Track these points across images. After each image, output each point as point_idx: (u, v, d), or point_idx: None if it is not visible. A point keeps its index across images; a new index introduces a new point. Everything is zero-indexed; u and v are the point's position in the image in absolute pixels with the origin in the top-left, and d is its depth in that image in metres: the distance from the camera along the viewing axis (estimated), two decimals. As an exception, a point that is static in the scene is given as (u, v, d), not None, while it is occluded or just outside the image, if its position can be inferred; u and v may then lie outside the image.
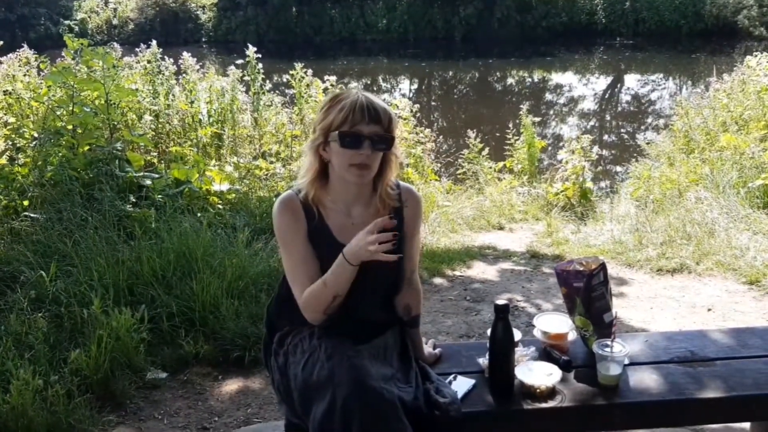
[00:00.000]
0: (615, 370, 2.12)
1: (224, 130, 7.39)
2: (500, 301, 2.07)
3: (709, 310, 4.14)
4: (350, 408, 1.81)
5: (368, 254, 1.93)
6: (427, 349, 2.33)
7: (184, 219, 4.59)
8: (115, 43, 8.50)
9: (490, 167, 7.83)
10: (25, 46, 8.59)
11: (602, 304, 2.26)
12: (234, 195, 5.55)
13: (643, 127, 13.47)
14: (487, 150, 7.94)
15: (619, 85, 19.29)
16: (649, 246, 5.06)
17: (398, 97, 12.00)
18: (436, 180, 7.44)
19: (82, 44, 5.86)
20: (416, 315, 2.27)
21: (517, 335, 2.22)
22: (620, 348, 2.13)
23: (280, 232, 2.11)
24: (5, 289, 3.90)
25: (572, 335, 2.33)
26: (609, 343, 2.14)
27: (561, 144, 9.42)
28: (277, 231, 2.12)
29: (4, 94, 6.58)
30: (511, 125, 8.22)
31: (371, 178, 2.07)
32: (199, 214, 4.84)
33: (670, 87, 18.19)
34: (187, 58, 7.77)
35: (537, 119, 8.47)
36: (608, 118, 15.59)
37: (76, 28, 26.80)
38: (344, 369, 1.89)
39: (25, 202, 4.86)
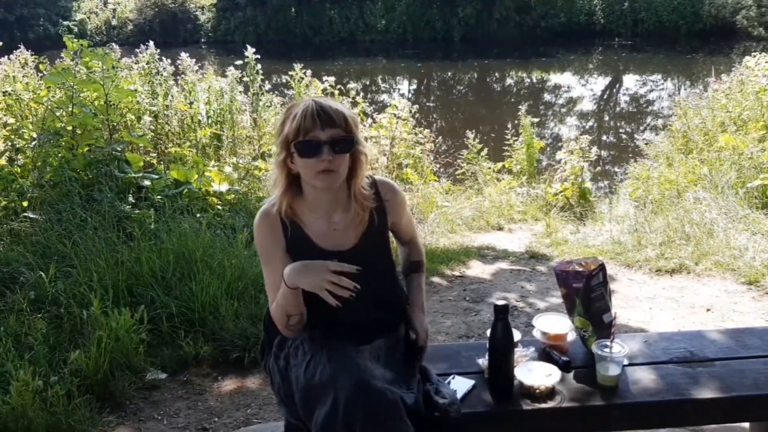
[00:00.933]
0: (614, 370, 2.12)
1: (223, 131, 7.39)
2: (500, 302, 2.07)
3: (708, 310, 4.14)
4: (353, 409, 1.81)
5: (317, 288, 1.95)
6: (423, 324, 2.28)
7: (184, 220, 4.59)
8: (114, 44, 8.46)
9: (489, 168, 7.83)
10: (22, 46, 8.56)
11: (601, 304, 2.27)
12: (233, 196, 5.56)
13: (641, 128, 13.48)
14: (486, 150, 7.95)
15: (617, 86, 19.31)
16: (648, 246, 5.07)
17: (397, 98, 12.00)
18: (435, 180, 7.45)
19: (81, 45, 5.86)
20: (418, 260, 2.38)
21: (517, 336, 2.22)
22: (619, 348, 2.13)
23: (260, 247, 2.14)
24: (5, 290, 3.90)
25: (571, 336, 2.33)
26: (608, 343, 2.15)
27: (560, 144, 9.42)
28: (257, 246, 2.16)
29: (4, 95, 6.57)
30: (509, 126, 8.23)
31: (342, 181, 2.07)
32: (198, 215, 4.84)
33: (669, 87, 18.22)
34: (185, 58, 7.77)
35: (536, 120, 8.47)
36: (607, 118, 15.61)
37: (75, 29, 26.81)
38: (346, 370, 1.89)
39: (25, 203, 4.86)
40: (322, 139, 1.97)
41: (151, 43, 8.08)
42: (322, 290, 1.94)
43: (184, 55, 7.82)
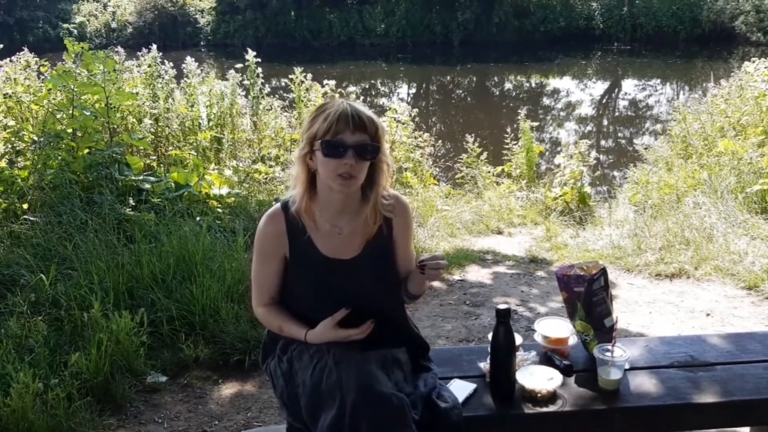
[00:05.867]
0: (615, 374, 2.13)
1: (224, 134, 7.39)
2: (502, 306, 2.07)
3: (708, 314, 4.15)
4: (359, 414, 1.81)
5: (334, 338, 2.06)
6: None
7: (184, 223, 4.59)
8: (119, 47, 8.48)
9: (489, 171, 7.84)
10: (26, 49, 8.58)
11: (603, 308, 2.27)
12: (233, 199, 5.56)
13: (640, 132, 13.50)
14: (485, 154, 7.95)
15: (616, 90, 19.34)
16: (647, 251, 5.07)
17: (396, 102, 12.02)
18: (435, 184, 7.45)
19: (82, 48, 5.86)
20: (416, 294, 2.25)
21: (518, 340, 2.22)
22: (621, 352, 2.14)
23: (259, 242, 2.15)
24: (5, 292, 3.89)
25: (573, 340, 2.34)
26: (609, 347, 2.15)
27: (559, 149, 9.45)
28: (256, 240, 2.16)
29: (4, 97, 6.57)
30: (509, 130, 8.23)
31: (358, 187, 2.06)
32: (198, 218, 4.84)
33: (668, 92, 18.25)
34: (190, 62, 7.78)
35: (535, 124, 8.48)
36: (606, 122, 15.62)
37: (75, 32, 26.83)
38: (353, 375, 1.89)
39: (25, 205, 4.86)
40: (349, 142, 1.96)
41: (154, 46, 8.10)
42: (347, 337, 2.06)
43: (189, 59, 7.84)
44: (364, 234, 2.11)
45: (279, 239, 2.12)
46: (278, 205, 2.15)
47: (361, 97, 7.87)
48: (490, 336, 2.12)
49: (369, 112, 2.03)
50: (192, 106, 7.45)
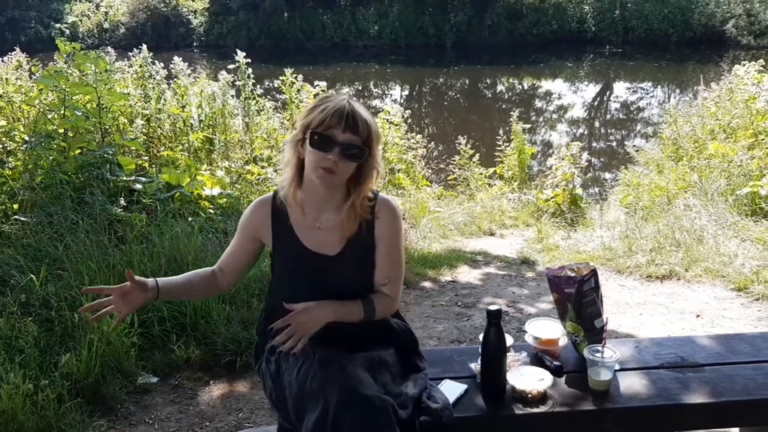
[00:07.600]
0: (605, 375, 2.14)
1: (216, 135, 7.38)
2: (493, 307, 2.08)
3: (698, 316, 4.17)
4: (342, 416, 1.80)
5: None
6: None
7: (176, 223, 4.58)
8: (109, 48, 8.47)
9: (481, 173, 7.87)
10: (17, 49, 8.55)
11: (593, 309, 2.28)
12: (225, 200, 5.55)
13: (632, 135, 13.56)
14: (477, 156, 7.98)
15: (608, 93, 19.41)
16: (638, 252, 5.10)
17: (389, 103, 12.03)
18: (428, 186, 7.47)
19: (74, 48, 5.84)
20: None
21: (509, 340, 2.23)
22: (611, 353, 2.15)
23: (242, 221, 2.21)
24: (-5, 292, 3.88)
25: (563, 340, 2.34)
26: (600, 348, 2.16)
27: (551, 151, 9.50)
28: (241, 219, 2.22)
29: (-5, 97, 6.55)
30: (501, 131, 8.26)
31: (340, 184, 2.06)
32: (190, 219, 4.83)
33: (659, 95, 18.34)
34: (178, 62, 7.77)
35: (527, 126, 8.52)
36: (597, 125, 15.68)
37: (67, 32, 26.70)
38: (336, 377, 1.88)
39: (15, 206, 4.83)
40: (338, 139, 1.98)
41: (144, 46, 8.08)
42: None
43: (177, 59, 7.82)
44: (344, 231, 2.11)
45: (260, 225, 2.16)
46: (270, 193, 2.19)
47: (354, 99, 7.84)
48: (481, 337, 2.13)
49: (366, 115, 2.03)
50: (183, 107, 7.44)
